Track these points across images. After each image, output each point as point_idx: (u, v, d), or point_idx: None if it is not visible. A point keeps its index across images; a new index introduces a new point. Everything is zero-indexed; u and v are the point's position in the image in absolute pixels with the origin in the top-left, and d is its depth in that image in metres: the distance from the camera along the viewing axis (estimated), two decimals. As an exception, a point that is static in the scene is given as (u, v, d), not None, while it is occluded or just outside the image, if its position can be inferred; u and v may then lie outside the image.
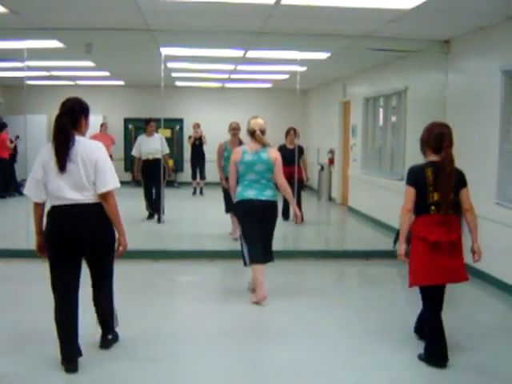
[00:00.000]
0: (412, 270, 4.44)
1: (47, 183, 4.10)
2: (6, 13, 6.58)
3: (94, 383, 4.08)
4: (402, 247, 4.45)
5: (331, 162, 13.95)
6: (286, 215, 10.21)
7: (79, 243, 4.13)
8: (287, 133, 10.60)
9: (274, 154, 5.93)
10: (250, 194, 5.86)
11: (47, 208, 4.22)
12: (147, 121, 10.80)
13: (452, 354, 4.39)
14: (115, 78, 14.28)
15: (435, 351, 4.40)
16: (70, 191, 4.08)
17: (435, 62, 8.17)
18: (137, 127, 16.13)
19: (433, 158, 4.44)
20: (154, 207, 10.49)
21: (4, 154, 13.85)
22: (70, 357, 4.18)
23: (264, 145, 5.92)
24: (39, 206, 4.23)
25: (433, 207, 4.36)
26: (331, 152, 13.98)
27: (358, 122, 12.10)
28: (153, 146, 10.41)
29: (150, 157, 10.42)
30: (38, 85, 14.03)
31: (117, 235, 4.31)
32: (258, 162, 5.86)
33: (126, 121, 16.44)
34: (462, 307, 6.12)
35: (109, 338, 4.62)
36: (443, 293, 4.50)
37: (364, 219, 11.31)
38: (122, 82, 15.45)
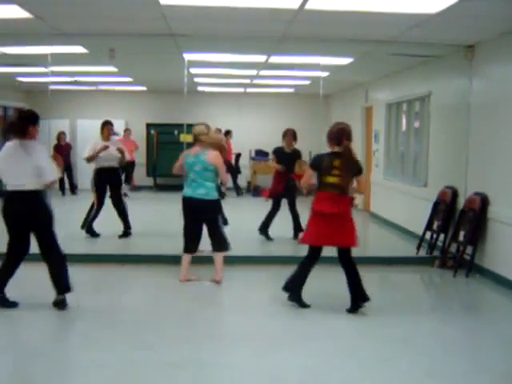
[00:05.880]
0: (305, 233, 5.86)
1: None
2: (32, 18, 6.67)
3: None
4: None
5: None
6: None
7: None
8: (284, 134, 9.32)
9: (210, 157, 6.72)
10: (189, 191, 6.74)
11: None
12: (105, 123, 9.14)
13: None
14: (138, 83, 14.38)
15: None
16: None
17: (459, 67, 8.10)
18: (159, 132, 16.32)
19: (335, 149, 5.66)
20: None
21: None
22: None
23: (204, 147, 6.71)
24: None
25: (327, 187, 5.58)
26: (353, 157, 13.86)
27: (380, 128, 12.03)
28: (107, 152, 8.81)
29: (106, 164, 8.92)
30: (61, 90, 14.15)
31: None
32: (198, 162, 6.67)
33: (149, 126, 16.53)
34: (486, 314, 6.06)
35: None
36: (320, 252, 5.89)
37: (386, 225, 11.22)
38: (144, 88, 15.54)
